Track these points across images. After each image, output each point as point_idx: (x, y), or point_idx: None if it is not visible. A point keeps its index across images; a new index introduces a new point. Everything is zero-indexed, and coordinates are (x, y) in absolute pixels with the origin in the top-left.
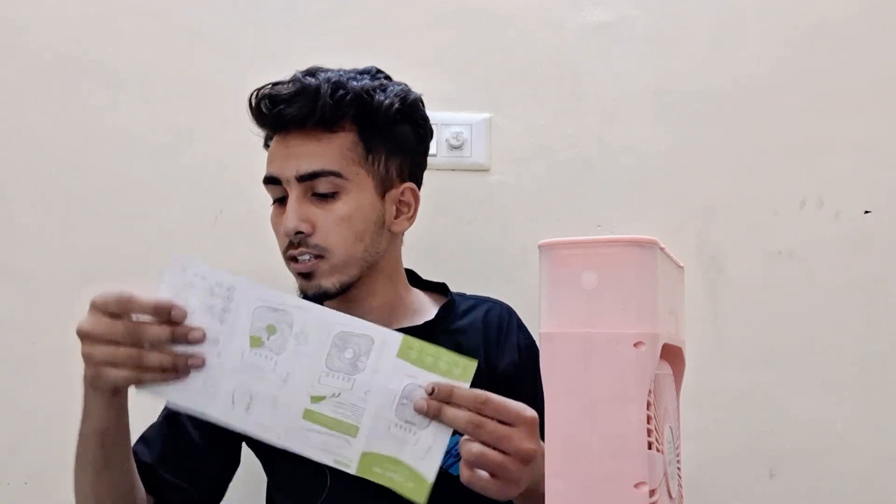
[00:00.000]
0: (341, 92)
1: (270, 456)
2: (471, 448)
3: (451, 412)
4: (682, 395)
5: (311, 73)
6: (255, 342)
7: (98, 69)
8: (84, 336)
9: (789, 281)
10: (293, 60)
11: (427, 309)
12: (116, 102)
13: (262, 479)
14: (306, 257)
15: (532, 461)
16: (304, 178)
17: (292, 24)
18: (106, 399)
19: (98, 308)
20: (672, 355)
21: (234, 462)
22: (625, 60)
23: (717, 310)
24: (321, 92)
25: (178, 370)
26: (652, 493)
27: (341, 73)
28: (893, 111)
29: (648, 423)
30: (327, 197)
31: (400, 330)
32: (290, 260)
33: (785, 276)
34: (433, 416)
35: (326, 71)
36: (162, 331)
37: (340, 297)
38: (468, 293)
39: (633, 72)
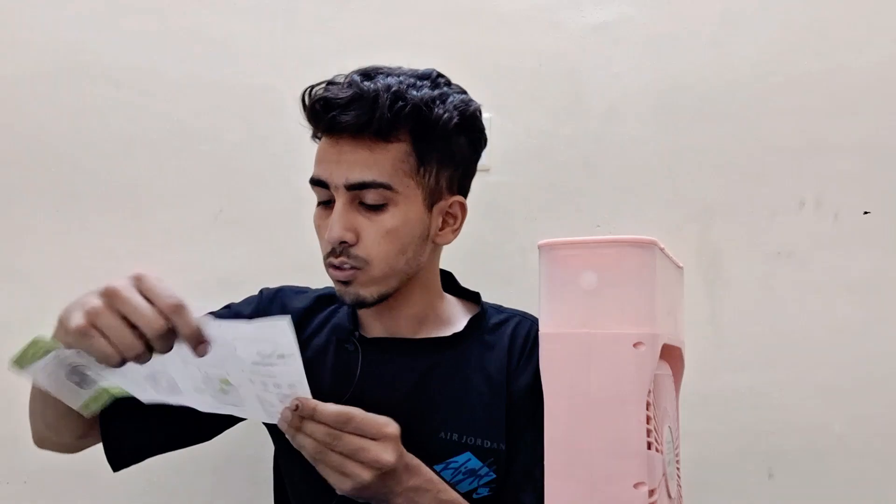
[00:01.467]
0: (400, 103)
1: (287, 448)
2: (303, 443)
3: (299, 437)
4: (681, 395)
5: (369, 75)
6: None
7: (98, 69)
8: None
9: (788, 281)
10: (293, 60)
11: (457, 319)
12: (116, 102)
13: (267, 475)
14: (347, 266)
15: (390, 473)
16: (353, 188)
17: (292, 24)
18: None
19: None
20: (671, 356)
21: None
22: (625, 60)
23: (717, 310)
24: (379, 102)
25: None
26: (651, 493)
27: (401, 78)
28: (893, 111)
29: (648, 423)
30: (375, 208)
31: (427, 340)
32: (330, 266)
33: (784, 277)
34: (293, 433)
35: (386, 74)
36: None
37: (376, 305)
38: (504, 306)
39: (633, 72)
